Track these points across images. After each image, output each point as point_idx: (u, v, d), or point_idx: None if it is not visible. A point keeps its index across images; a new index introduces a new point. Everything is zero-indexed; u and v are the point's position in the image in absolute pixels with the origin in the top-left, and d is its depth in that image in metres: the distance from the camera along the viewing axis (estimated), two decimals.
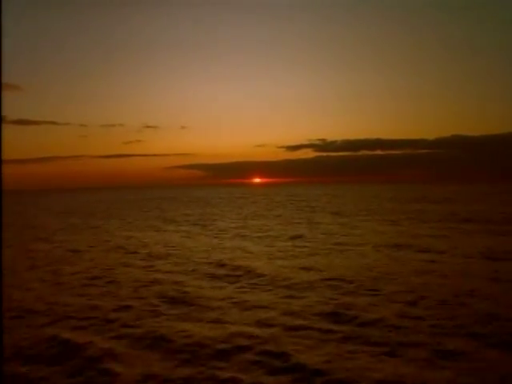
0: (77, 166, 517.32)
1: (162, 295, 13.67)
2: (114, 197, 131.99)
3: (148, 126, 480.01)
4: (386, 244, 24.42)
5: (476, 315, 11.03)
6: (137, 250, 23.34)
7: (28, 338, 10.01)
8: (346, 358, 8.64)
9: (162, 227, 37.36)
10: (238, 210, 61.04)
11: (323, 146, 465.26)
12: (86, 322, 11.18)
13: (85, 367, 8.43)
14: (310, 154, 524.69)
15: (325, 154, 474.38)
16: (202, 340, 9.69)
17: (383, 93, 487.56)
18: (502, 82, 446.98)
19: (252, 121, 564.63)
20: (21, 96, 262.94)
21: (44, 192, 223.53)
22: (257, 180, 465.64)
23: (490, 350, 8.90)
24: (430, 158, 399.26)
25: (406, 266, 17.91)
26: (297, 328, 10.40)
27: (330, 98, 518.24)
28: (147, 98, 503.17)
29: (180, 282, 15.50)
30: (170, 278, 16.09)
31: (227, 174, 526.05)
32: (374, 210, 52.37)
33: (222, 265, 18.57)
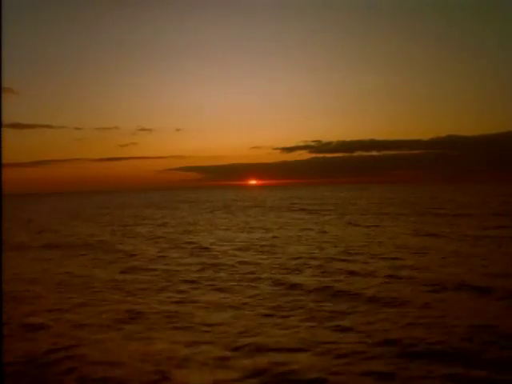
0: (73, 169, 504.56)
1: None
2: (99, 201, 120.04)
3: (143, 129, 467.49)
4: None
5: None
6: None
7: None
8: None
9: (111, 247, 25.60)
10: (229, 216, 49.59)
11: (318, 147, 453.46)
12: None
13: None
14: (305, 155, 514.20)
15: (320, 155, 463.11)
16: None
17: (378, 93, 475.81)
18: (497, 82, 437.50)
19: (247, 122, 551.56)
20: (15, 99, 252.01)
21: (37, 196, 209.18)
22: (252, 182, 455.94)
23: None
24: (425, 158, 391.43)
25: None
26: None
27: (325, 99, 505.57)
28: (141, 100, 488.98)
29: None
30: None
31: (223, 176, 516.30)
32: (400, 215, 40.90)
33: None
